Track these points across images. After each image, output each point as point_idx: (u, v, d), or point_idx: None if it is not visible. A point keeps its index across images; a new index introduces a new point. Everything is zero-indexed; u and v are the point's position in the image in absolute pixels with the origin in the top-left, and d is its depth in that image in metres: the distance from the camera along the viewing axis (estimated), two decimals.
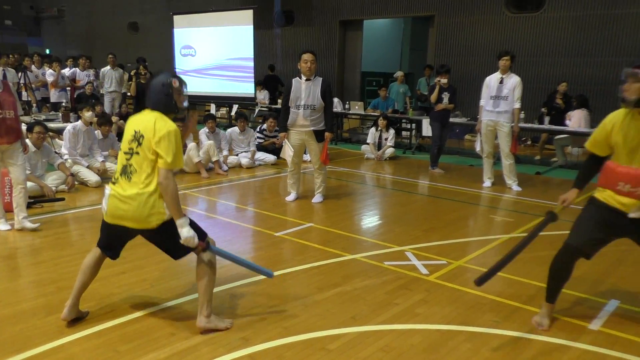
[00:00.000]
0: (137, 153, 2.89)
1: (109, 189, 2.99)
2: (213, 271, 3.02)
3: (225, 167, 8.17)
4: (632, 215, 2.90)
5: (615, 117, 2.98)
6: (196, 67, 14.25)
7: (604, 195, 3.02)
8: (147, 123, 2.90)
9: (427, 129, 9.97)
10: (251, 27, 12.90)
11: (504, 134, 7.11)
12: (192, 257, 3.04)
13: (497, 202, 6.58)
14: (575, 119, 9.11)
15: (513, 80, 6.97)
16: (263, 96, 13.81)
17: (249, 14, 13.05)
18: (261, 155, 8.88)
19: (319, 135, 5.99)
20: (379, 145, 9.73)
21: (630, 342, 3.01)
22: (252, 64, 13.16)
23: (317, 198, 6.28)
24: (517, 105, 6.98)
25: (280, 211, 5.84)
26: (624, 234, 3.07)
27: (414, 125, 11.19)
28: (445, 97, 8.29)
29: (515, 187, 7.19)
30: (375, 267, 4.16)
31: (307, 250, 4.55)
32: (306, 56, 5.80)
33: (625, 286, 3.85)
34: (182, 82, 3.06)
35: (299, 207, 6.10)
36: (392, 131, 9.80)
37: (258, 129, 9.33)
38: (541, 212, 6.00)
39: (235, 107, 13.16)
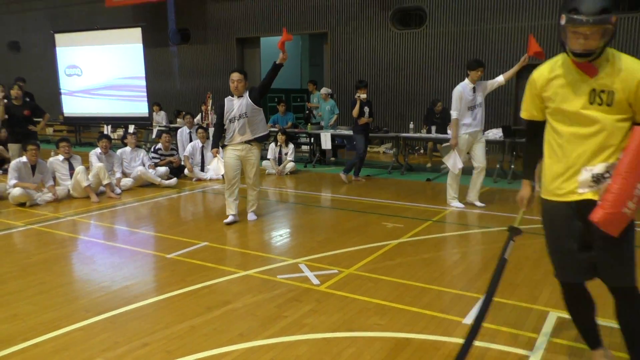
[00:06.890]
0: None
1: None
2: None
3: (118, 190, 7.83)
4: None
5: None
6: (84, 87, 13.64)
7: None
8: None
9: (325, 143, 10.21)
10: (141, 45, 12.57)
11: (482, 144, 6.78)
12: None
13: (389, 210, 6.83)
14: None
15: (482, 87, 6.70)
16: (160, 118, 13.42)
17: (137, 32, 12.72)
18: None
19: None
20: (280, 161, 9.80)
21: (497, 332, 3.25)
22: (144, 82, 12.81)
23: (251, 216, 6.25)
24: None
25: (176, 232, 5.69)
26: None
27: (312, 140, 11.38)
28: (366, 110, 8.59)
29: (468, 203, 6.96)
30: (267, 281, 4.17)
31: (199, 270, 4.46)
32: (233, 75, 5.91)
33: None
34: None
35: (195, 226, 5.98)
36: (291, 146, 9.91)
37: (152, 149, 9.06)
38: (429, 215, 6.33)
39: (131, 128, 12.71)
